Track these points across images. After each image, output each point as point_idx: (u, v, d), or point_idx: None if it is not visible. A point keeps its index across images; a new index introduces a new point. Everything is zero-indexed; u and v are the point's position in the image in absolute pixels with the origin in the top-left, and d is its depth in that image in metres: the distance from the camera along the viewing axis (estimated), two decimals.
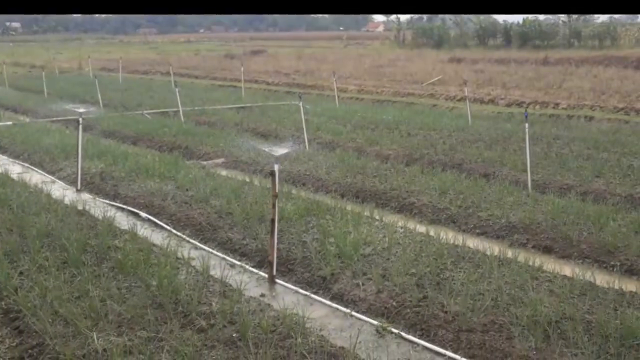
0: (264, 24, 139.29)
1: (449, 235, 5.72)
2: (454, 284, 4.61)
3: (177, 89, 13.65)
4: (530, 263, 5.02)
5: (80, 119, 8.27)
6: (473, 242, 5.73)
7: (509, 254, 5.24)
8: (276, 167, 4.99)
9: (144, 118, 13.85)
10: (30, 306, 4.23)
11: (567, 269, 5.08)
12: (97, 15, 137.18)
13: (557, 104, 15.95)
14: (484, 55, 31.92)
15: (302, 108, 10.71)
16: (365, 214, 6.45)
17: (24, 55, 42.22)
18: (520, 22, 42.37)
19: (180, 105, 13.57)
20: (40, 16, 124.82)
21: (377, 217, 6.37)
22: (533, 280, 4.68)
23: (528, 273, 4.78)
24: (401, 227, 6.03)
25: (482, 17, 46.99)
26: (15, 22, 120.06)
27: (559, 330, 3.93)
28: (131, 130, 12.17)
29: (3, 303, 4.42)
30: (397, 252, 5.28)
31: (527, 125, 7.55)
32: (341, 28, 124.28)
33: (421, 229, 6.10)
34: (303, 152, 9.88)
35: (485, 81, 21.13)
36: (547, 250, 5.69)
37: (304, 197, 7.22)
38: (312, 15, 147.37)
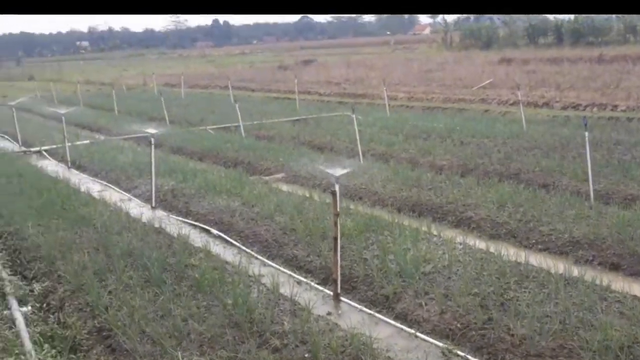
0: (312, 32, 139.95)
1: (510, 252, 5.58)
2: (519, 305, 4.46)
3: (237, 105, 13.99)
4: (598, 282, 4.77)
5: (153, 140, 8.60)
6: (536, 259, 5.51)
7: (575, 272, 5.01)
8: (337, 187, 5.09)
9: (208, 134, 14.24)
10: (120, 325, 4.47)
11: (636, 288, 4.85)
12: (157, 30, 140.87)
13: (616, 106, 15.17)
14: (535, 54, 30.95)
15: (355, 120, 10.76)
16: (423, 229, 6.46)
17: (94, 73, 43.93)
18: (572, 18, 40.87)
19: (240, 121, 13.89)
20: (106, 34, 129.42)
21: (435, 233, 6.37)
22: (602, 301, 4.46)
23: (596, 293, 4.57)
24: (460, 243, 5.97)
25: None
26: (84, 41, 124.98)
27: (631, 356, 3.73)
28: (197, 146, 12.53)
29: (96, 321, 4.69)
30: (457, 270, 5.24)
31: (587, 133, 7.15)
32: (388, 32, 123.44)
33: (481, 244, 5.99)
34: (358, 165, 9.96)
35: (537, 82, 20.41)
36: (614, 267, 5.41)
37: (362, 212, 7.30)
38: (359, 20, 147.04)
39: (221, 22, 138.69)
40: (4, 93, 32.64)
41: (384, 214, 7.22)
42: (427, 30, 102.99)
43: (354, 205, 7.70)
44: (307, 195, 8.33)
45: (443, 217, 7.17)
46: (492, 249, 5.67)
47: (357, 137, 10.51)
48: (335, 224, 5.03)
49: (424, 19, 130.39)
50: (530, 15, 44.87)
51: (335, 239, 5.05)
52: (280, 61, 45.58)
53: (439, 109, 17.76)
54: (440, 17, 59.26)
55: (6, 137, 15.91)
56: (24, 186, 9.11)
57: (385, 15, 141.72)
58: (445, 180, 8.47)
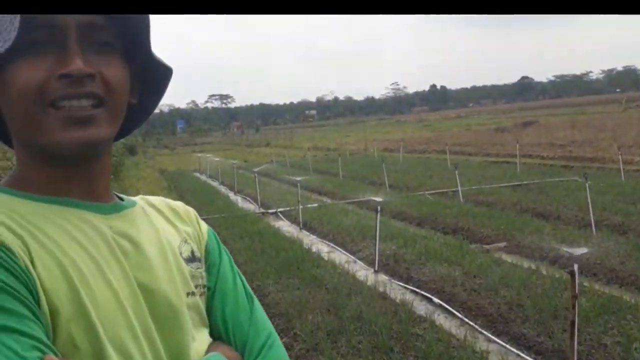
0: (532, 92, 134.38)
1: None
2: None
3: (456, 171, 13.98)
4: None
5: (379, 208, 8.98)
6: None
7: None
8: (575, 267, 4.75)
9: (426, 199, 14.39)
10: None
11: None
12: (377, 97, 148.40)
13: None
14: None
15: (587, 187, 9.99)
16: None
17: (320, 140, 47.63)
18: None
19: (459, 186, 13.81)
20: (331, 103, 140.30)
21: None
22: None
23: None
24: None
25: None
26: (312, 110, 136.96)
27: None
28: (416, 212, 12.73)
29: None
30: None
31: None
32: (617, 90, 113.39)
33: None
34: (590, 236, 9.18)
35: None
36: None
37: (598, 290, 6.67)
38: (584, 78, 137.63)
39: (438, 87, 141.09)
40: (246, 158, 37.08)
41: (624, 295, 6.50)
42: None
43: (588, 283, 7.06)
44: (533, 267, 7.88)
45: None
46: None
47: (590, 206, 9.73)
48: (573, 306, 4.66)
49: None
50: None
51: (573, 323, 4.66)
52: (498, 123, 44.54)
53: None
54: None
55: (248, 199, 17.92)
56: (264, 245, 10.13)
57: (614, 71, 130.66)
58: None
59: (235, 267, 1.19)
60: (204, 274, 1.12)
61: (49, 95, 0.89)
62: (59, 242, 0.91)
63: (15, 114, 0.93)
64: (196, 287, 1.08)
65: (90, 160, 0.98)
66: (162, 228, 1.09)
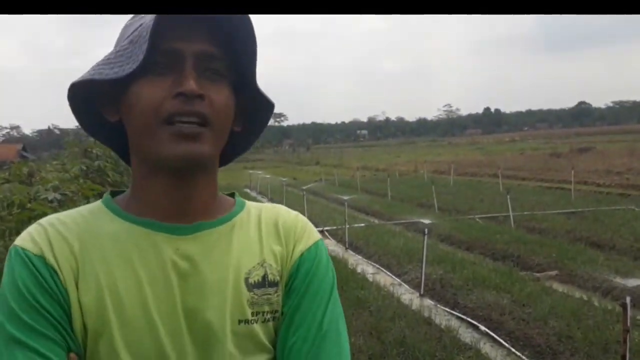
0: (590, 118, 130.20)
1: None
2: None
3: (508, 196, 13.66)
4: None
5: (426, 230, 8.86)
6: None
7: None
8: (628, 300, 4.54)
9: (476, 223, 14.10)
10: None
11: None
12: (429, 119, 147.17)
13: None
14: None
15: None
16: None
17: (370, 160, 47.55)
18: None
19: (510, 211, 13.47)
20: (382, 123, 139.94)
21: None
22: None
23: None
24: None
25: None
26: (363, 129, 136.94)
27: None
28: (465, 236, 12.47)
29: None
30: None
31: None
32: None
33: None
34: None
35: None
36: None
37: None
38: None
39: (492, 109, 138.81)
40: (295, 175, 37.39)
41: None
42: None
43: None
44: (585, 298, 7.58)
45: None
46: None
47: None
48: (625, 340, 4.46)
49: None
50: None
51: (624, 357, 4.46)
52: (553, 148, 43.39)
53: None
54: None
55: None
56: None
57: None
58: None
59: (327, 294, 1.10)
60: (275, 299, 1.07)
61: (164, 111, 0.97)
62: (111, 262, 1.00)
63: (135, 128, 1.02)
64: (256, 313, 1.04)
65: (191, 177, 1.03)
66: (241, 249, 1.07)
